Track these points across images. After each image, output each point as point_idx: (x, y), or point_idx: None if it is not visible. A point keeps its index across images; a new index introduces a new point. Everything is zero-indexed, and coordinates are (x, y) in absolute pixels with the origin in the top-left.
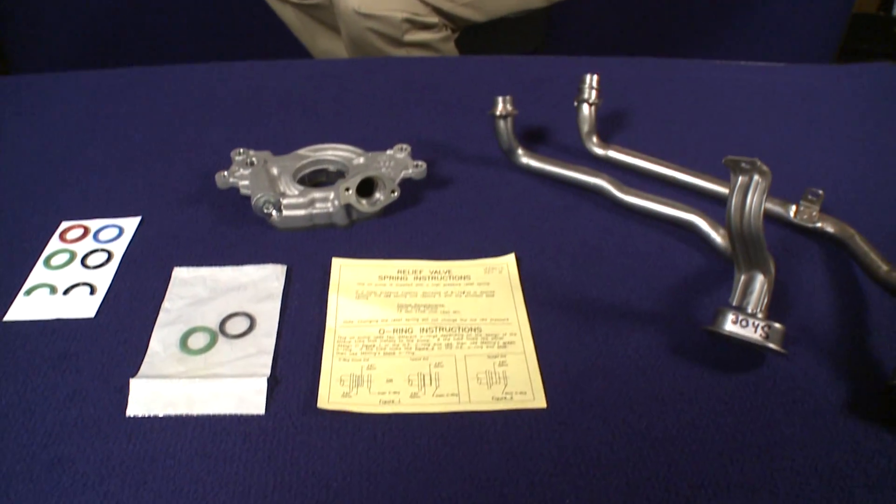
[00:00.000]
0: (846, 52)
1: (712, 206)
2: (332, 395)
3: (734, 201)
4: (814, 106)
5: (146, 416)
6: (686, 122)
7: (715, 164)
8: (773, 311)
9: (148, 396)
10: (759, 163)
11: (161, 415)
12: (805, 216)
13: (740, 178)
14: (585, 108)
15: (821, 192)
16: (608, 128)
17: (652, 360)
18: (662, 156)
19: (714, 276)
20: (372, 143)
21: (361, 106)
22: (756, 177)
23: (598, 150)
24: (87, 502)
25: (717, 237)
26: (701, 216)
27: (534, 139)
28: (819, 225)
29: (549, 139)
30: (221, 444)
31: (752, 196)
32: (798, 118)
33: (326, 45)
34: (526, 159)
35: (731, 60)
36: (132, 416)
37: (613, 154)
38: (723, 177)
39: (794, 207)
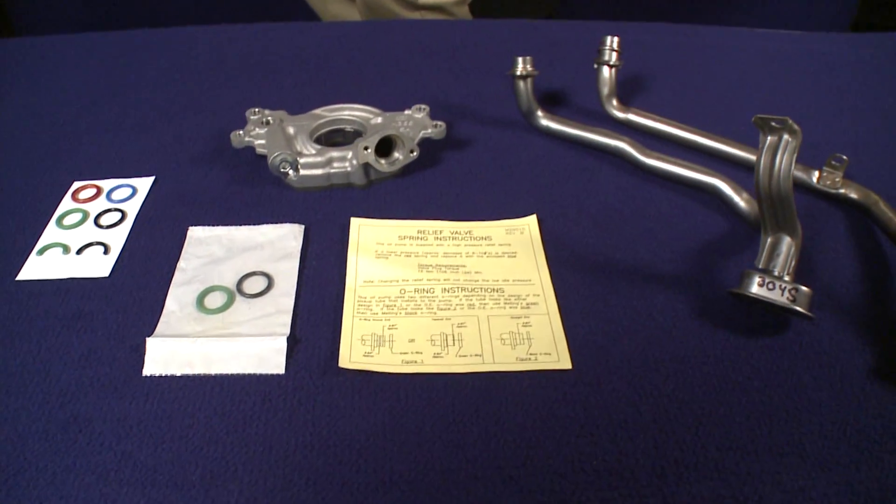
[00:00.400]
0: (859, 26)
1: (733, 170)
2: (354, 354)
3: (763, 161)
4: (833, 74)
5: (163, 375)
6: (703, 88)
7: (733, 130)
8: (797, 276)
9: (165, 356)
10: (789, 121)
11: (178, 374)
12: (828, 182)
13: (769, 138)
14: (606, 71)
15: (845, 157)
16: (625, 93)
17: (676, 323)
18: (680, 121)
19: (736, 240)
20: (388, 105)
21: (376, 68)
22: (786, 136)
23: (619, 113)
24: (103, 462)
25: (739, 201)
26: (724, 179)
27: (552, 102)
28: (842, 191)
29: (567, 102)
30: (240, 404)
31: (782, 156)
32: (817, 85)
33: (337, 10)
34: (545, 121)
35: (744, 28)
36: (149, 375)
37: (633, 117)
38: (743, 141)
39: (816, 173)
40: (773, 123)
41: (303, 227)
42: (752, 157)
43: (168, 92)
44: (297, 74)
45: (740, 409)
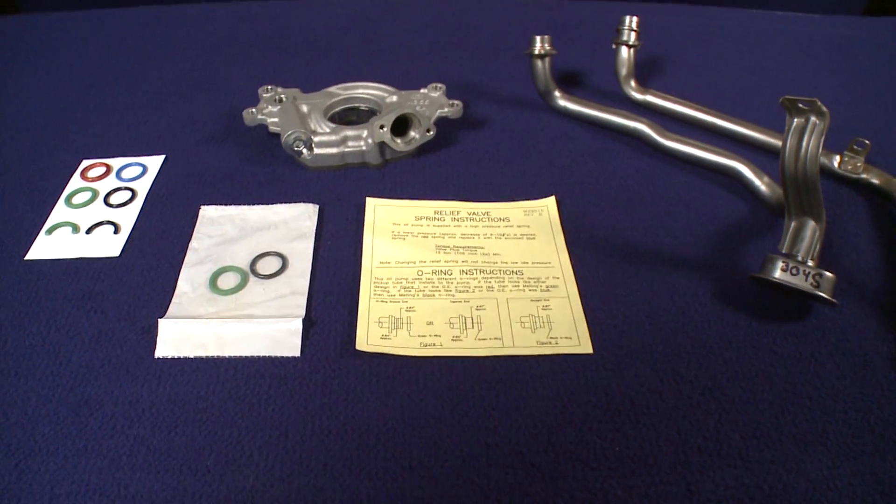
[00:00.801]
0: (872, 9)
1: (752, 153)
2: (371, 336)
3: (789, 143)
4: (851, 57)
5: (176, 357)
6: (719, 69)
7: (751, 113)
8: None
9: (177, 337)
10: (818, 103)
11: (191, 356)
12: (849, 167)
13: (796, 120)
14: (624, 51)
15: (867, 142)
16: (642, 74)
17: (697, 307)
18: (698, 103)
19: (757, 223)
20: (402, 83)
21: (391, 45)
22: (813, 118)
23: (637, 95)
24: (115, 446)
25: (760, 185)
26: (744, 163)
27: (569, 83)
28: (864, 176)
29: (585, 83)
30: (255, 387)
31: (809, 138)
32: (836, 69)
33: None
34: (563, 102)
35: (763, 10)
36: (161, 357)
37: (652, 99)
38: (761, 124)
39: (837, 158)
40: (801, 105)
41: (317, 206)
42: (772, 141)
43: (179, 69)
44: (310, 51)
45: (763, 396)
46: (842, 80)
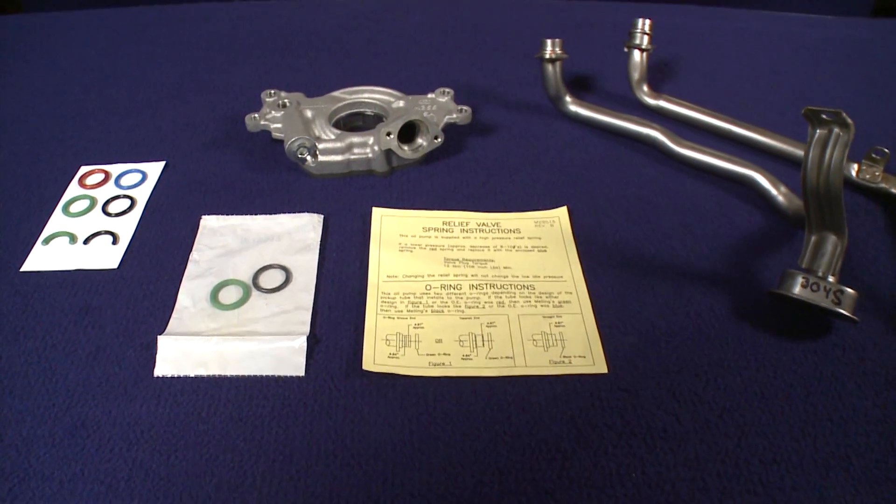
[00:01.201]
0: (879, 11)
1: (768, 161)
2: (378, 356)
3: (812, 155)
4: (866, 60)
5: (175, 376)
6: (731, 73)
7: (764, 118)
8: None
9: (177, 355)
10: (842, 114)
11: (192, 375)
12: (867, 175)
13: (818, 131)
14: (636, 55)
15: (886, 150)
16: (653, 77)
17: (714, 324)
18: (709, 108)
19: (774, 235)
20: (408, 87)
21: (396, 48)
22: (836, 130)
23: (649, 100)
24: (113, 470)
25: (777, 195)
26: (760, 172)
27: (580, 87)
28: (882, 185)
29: (595, 87)
30: (258, 408)
31: (832, 151)
32: (851, 73)
33: None
34: (574, 107)
35: (773, 11)
36: (160, 376)
37: (665, 104)
38: (776, 130)
39: (855, 166)
40: (824, 116)
41: (322, 216)
42: (788, 148)
43: (179, 71)
44: (313, 54)
45: (783, 417)
46: (857, 85)
